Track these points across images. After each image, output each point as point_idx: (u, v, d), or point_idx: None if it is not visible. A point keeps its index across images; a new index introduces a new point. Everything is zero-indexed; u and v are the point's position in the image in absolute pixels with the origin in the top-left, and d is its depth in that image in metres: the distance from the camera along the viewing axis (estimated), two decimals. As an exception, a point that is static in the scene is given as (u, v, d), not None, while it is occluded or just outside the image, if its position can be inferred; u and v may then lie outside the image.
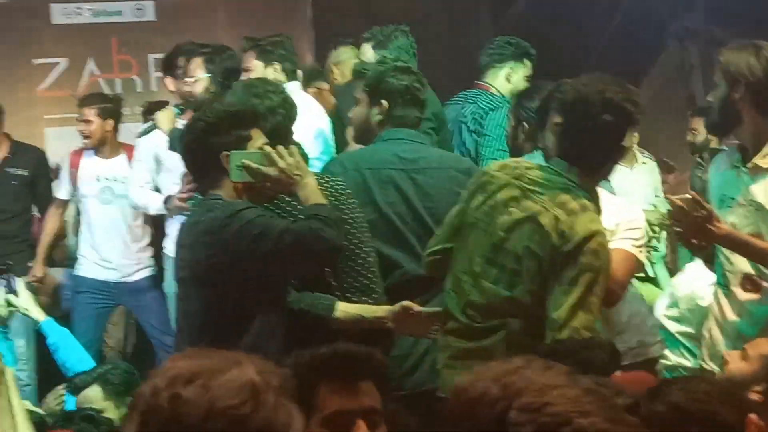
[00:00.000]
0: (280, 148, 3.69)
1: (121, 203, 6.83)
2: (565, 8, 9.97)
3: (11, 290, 4.86)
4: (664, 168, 8.88)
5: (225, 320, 3.65)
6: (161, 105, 7.61)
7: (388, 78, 4.44)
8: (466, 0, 10.11)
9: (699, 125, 8.38)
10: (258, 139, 3.73)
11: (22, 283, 4.96)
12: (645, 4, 10.34)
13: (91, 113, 6.98)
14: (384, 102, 4.42)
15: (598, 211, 3.68)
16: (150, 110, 7.85)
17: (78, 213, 7.19)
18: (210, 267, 3.65)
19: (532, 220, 3.63)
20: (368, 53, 5.67)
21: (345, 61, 6.30)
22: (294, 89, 5.45)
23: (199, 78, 6.06)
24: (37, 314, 4.89)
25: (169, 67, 6.56)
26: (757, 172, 4.13)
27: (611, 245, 3.77)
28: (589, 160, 3.69)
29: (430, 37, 8.32)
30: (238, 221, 3.56)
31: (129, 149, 7.07)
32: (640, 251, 3.93)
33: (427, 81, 4.64)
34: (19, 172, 7.08)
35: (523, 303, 3.63)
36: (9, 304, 4.87)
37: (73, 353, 4.85)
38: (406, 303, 3.81)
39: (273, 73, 5.69)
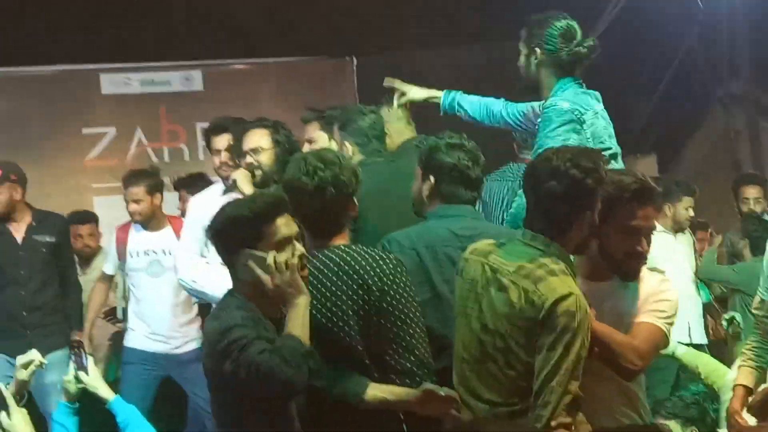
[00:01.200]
0: (281, 258, 3.60)
1: (169, 276, 6.85)
2: (611, 73, 9.98)
3: (81, 367, 4.84)
4: (698, 225, 8.79)
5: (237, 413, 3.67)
6: (191, 179, 7.65)
7: (437, 154, 4.43)
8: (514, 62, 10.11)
9: (751, 192, 8.28)
10: (280, 229, 3.64)
11: (92, 360, 4.94)
12: (691, 69, 10.33)
13: (140, 191, 7.03)
14: (431, 177, 4.42)
15: (572, 273, 3.64)
16: (180, 184, 7.88)
17: (125, 286, 7.24)
18: (209, 370, 3.69)
19: (504, 298, 3.62)
20: (336, 132, 5.54)
21: (391, 120, 6.21)
22: None
23: (264, 149, 6.00)
24: (106, 393, 4.86)
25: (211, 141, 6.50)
26: None
27: (638, 318, 3.76)
28: (548, 228, 3.66)
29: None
30: (226, 339, 3.53)
31: (175, 220, 7.11)
32: (668, 325, 3.84)
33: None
34: (46, 239, 7.12)
35: (525, 379, 3.62)
36: (78, 380, 4.86)
37: (141, 430, 4.85)
38: (429, 386, 3.76)
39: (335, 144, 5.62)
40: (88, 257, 8.16)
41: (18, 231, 7.01)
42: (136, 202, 7.03)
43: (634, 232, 3.73)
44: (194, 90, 10.27)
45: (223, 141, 6.30)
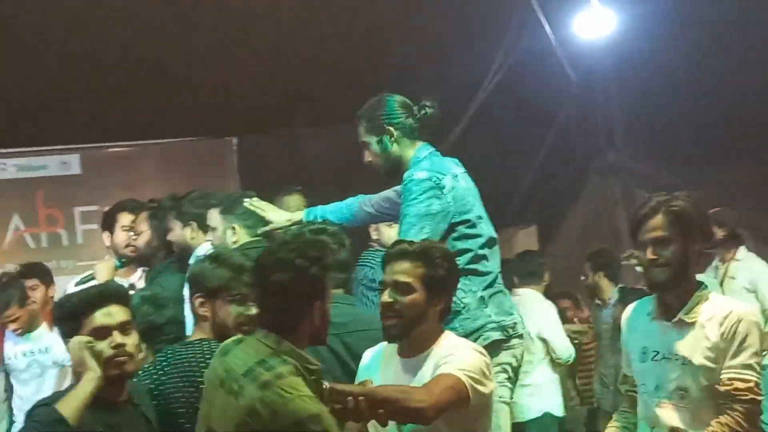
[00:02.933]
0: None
1: (51, 372, 6.81)
2: (489, 146, 10.13)
3: None
4: (573, 303, 9.06)
5: None
6: (33, 267, 7.49)
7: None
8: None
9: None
10: (95, 320, 3.76)
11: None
12: (568, 141, 10.53)
13: (15, 310, 6.91)
14: None
15: (303, 371, 3.47)
16: (22, 273, 7.65)
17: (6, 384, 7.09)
18: None
19: (232, 402, 3.47)
20: (215, 217, 5.63)
21: (292, 208, 6.32)
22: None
23: (143, 232, 6.08)
24: None
25: (108, 222, 6.47)
26: (683, 326, 4.14)
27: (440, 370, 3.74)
28: (279, 323, 3.54)
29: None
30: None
31: (46, 314, 6.99)
32: (467, 375, 3.75)
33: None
34: None
35: None
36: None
37: None
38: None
39: (191, 232, 5.67)
40: None
41: None
42: (14, 321, 6.93)
43: None
44: (72, 173, 10.14)
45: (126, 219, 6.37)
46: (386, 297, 3.83)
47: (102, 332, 3.72)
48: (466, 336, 4.71)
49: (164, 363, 4.13)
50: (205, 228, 5.59)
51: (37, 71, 9.09)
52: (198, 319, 4.23)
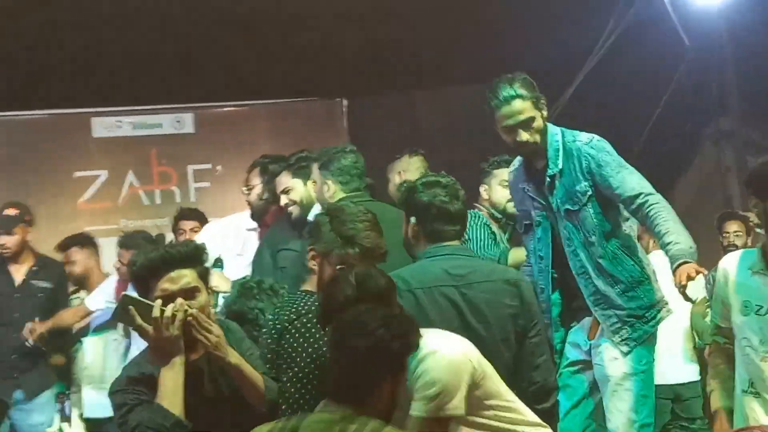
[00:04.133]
0: (167, 312, 3.62)
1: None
2: (600, 114, 10.04)
3: (65, 416, 4.85)
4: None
5: None
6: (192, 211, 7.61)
7: (414, 194, 4.47)
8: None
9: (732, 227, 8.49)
10: (162, 284, 3.72)
11: (76, 412, 4.95)
12: (680, 107, 10.37)
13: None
14: (413, 218, 4.45)
15: None
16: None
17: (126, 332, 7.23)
18: None
19: None
20: (315, 172, 5.67)
21: (410, 170, 6.38)
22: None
23: (254, 186, 6.15)
24: None
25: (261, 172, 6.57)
26: None
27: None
28: (348, 394, 3.23)
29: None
30: (111, 401, 3.72)
31: None
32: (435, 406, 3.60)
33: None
34: (44, 284, 7.13)
35: None
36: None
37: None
38: None
39: (310, 188, 5.74)
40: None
41: (18, 273, 7.04)
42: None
43: None
44: (186, 132, 10.31)
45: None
46: None
47: (165, 298, 3.66)
48: (649, 308, 4.75)
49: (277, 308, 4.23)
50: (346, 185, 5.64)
51: (154, 31, 9.23)
52: (308, 271, 4.24)
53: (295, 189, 5.95)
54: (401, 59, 9.90)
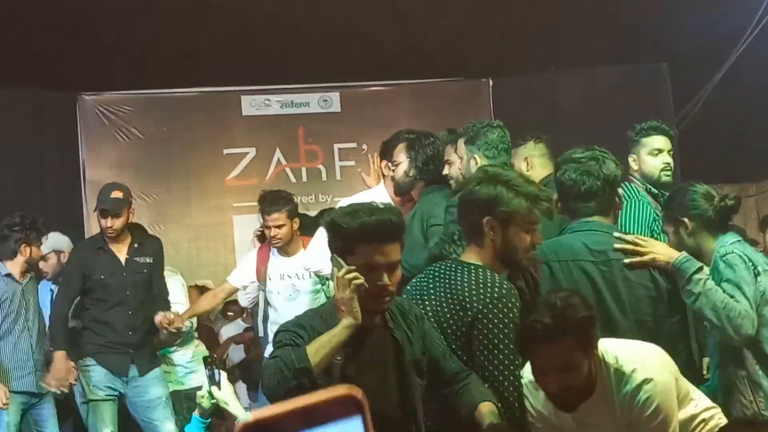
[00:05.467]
0: (349, 276, 3.63)
1: (304, 298, 6.99)
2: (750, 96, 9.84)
3: (215, 382, 4.95)
4: None
5: None
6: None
7: (557, 172, 4.48)
8: (648, 97, 10.03)
9: None
10: (366, 254, 3.69)
11: (225, 376, 5.05)
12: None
13: (281, 217, 7.13)
14: (554, 195, 4.43)
15: None
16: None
17: (264, 306, 7.36)
18: None
19: None
20: (461, 147, 5.62)
21: (534, 156, 6.29)
22: None
23: (400, 162, 6.13)
24: (237, 409, 4.94)
25: (384, 153, 6.56)
26: None
27: None
28: None
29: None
30: (274, 337, 3.84)
31: (307, 240, 7.14)
32: None
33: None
34: (147, 260, 7.30)
35: None
36: (211, 396, 4.96)
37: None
38: None
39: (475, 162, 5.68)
40: None
41: (121, 252, 7.22)
42: (278, 227, 7.15)
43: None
44: (332, 111, 10.46)
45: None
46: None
47: (370, 268, 3.65)
48: None
49: (432, 283, 4.12)
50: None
51: (303, 12, 9.39)
52: (481, 242, 4.09)
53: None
54: (545, 38, 9.86)
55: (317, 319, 3.79)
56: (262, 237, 7.58)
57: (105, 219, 7.09)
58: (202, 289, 8.80)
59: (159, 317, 7.10)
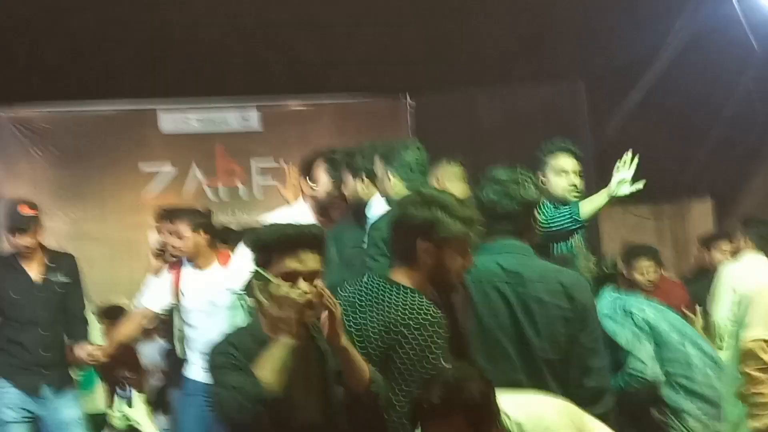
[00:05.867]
0: (283, 291, 3.61)
1: (221, 314, 6.88)
2: (665, 118, 9.99)
3: (128, 403, 4.91)
4: None
5: None
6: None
7: (477, 189, 4.51)
8: (568, 112, 10.11)
9: None
10: (286, 263, 3.68)
11: (138, 397, 5.00)
12: (749, 112, 10.25)
13: (182, 226, 7.05)
14: None
15: None
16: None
17: (181, 322, 7.23)
18: None
19: None
20: (378, 164, 5.62)
21: (448, 177, 6.28)
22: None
23: (320, 181, 6.12)
24: (149, 428, 4.90)
25: (305, 170, 6.52)
26: None
27: None
28: None
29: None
30: (207, 362, 3.73)
31: (222, 255, 6.99)
32: None
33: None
34: (63, 279, 7.19)
35: None
36: (125, 416, 4.91)
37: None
38: None
39: (361, 185, 5.68)
40: None
41: (33, 270, 7.11)
42: (178, 237, 6.99)
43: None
44: (251, 129, 10.40)
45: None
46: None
47: (289, 277, 3.64)
48: None
49: (361, 299, 4.09)
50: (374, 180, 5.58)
51: (222, 28, 9.34)
52: (413, 263, 4.04)
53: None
54: (463, 57, 9.91)
55: (247, 337, 3.74)
56: (159, 255, 7.41)
57: (16, 237, 6.96)
58: (114, 311, 8.67)
59: (80, 351, 7.00)
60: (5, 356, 6.97)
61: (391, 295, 3.99)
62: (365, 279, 4.18)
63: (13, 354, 6.96)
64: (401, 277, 4.04)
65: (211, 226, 7.11)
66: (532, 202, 4.47)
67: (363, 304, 4.04)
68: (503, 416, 3.54)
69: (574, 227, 5.61)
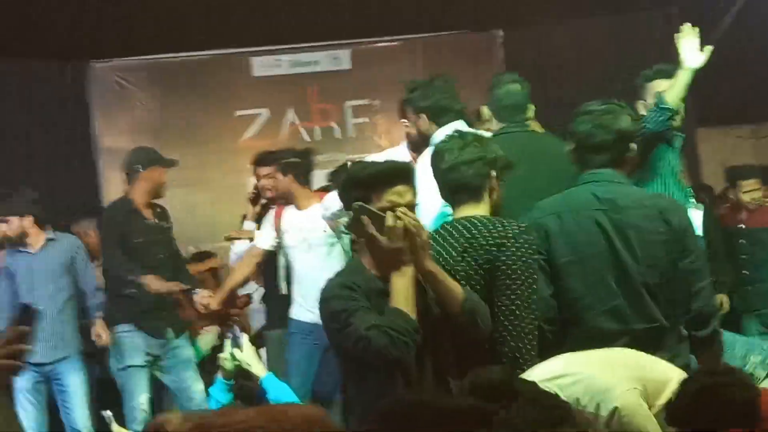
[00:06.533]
0: (398, 222, 3.67)
1: (318, 252, 6.98)
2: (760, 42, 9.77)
3: (237, 344, 5.00)
4: None
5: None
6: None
7: (571, 123, 4.50)
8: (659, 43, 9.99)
9: None
10: (389, 196, 3.75)
11: (246, 338, 5.09)
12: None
13: (268, 170, 7.23)
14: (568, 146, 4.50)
15: None
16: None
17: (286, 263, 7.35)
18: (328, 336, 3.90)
19: None
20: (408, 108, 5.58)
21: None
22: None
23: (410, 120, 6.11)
24: (259, 370, 4.98)
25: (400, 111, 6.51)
26: None
27: None
28: None
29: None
30: (326, 307, 3.75)
31: (321, 195, 7.00)
32: None
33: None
34: (166, 225, 7.44)
35: None
36: (233, 358, 5.01)
37: (292, 406, 4.92)
38: None
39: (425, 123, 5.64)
40: None
41: (149, 216, 7.33)
42: (267, 178, 7.27)
43: None
44: (343, 68, 10.44)
45: None
46: None
47: (391, 209, 3.71)
48: None
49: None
50: (437, 120, 5.51)
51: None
52: (483, 196, 4.26)
53: None
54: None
55: (358, 276, 3.81)
56: (254, 199, 7.62)
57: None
58: (202, 255, 8.87)
59: (198, 298, 7.21)
60: (130, 301, 7.19)
61: (477, 223, 4.17)
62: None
63: (138, 298, 7.17)
64: (479, 209, 4.25)
65: (302, 167, 7.18)
66: (627, 133, 4.46)
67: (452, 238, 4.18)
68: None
69: (666, 117, 5.44)
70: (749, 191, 7.96)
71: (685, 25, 5.48)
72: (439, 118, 5.44)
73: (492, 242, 4.05)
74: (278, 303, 7.31)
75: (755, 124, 10.84)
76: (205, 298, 7.29)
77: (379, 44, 10.59)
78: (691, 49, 5.40)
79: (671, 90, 5.40)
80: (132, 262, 7.18)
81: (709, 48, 5.39)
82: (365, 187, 3.79)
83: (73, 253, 7.49)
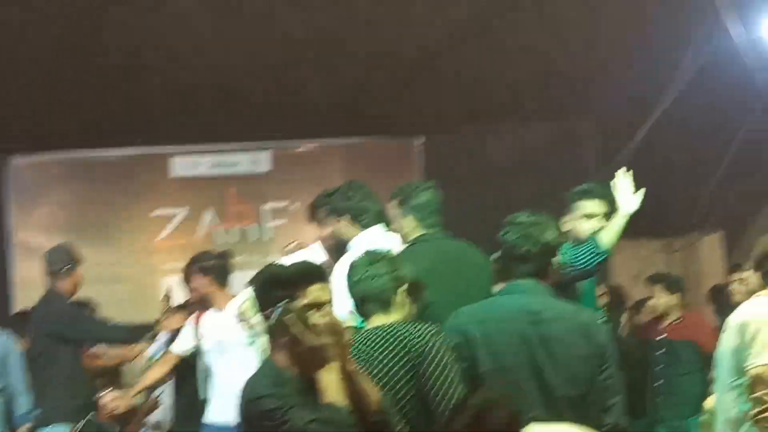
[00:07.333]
0: (321, 320, 3.68)
1: (234, 352, 6.92)
2: (671, 155, 10.02)
3: None
4: None
5: None
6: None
7: (499, 232, 4.59)
8: (574, 151, 10.19)
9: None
10: (312, 293, 3.75)
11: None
12: (755, 144, 10.27)
13: (194, 273, 7.17)
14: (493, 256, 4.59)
15: None
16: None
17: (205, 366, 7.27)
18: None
19: None
20: (394, 210, 5.64)
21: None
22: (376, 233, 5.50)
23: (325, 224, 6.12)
24: None
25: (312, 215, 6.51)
26: None
27: None
28: None
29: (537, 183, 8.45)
30: (255, 406, 3.65)
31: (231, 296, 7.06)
32: None
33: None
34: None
35: None
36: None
37: None
38: None
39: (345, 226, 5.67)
40: None
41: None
42: (191, 284, 7.18)
43: None
44: (262, 171, 10.48)
45: None
46: None
47: (314, 306, 3.72)
48: None
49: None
50: (359, 221, 5.53)
51: (233, 70, 9.43)
52: (400, 307, 4.36)
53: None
54: (472, 96, 9.97)
55: (279, 375, 3.73)
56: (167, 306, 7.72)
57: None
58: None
59: (105, 399, 7.12)
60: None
61: (402, 329, 4.20)
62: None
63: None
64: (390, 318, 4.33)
65: (219, 269, 7.18)
66: (552, 245, 4.55)
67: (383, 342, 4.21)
68: None
69: (599, 260, 5.57)
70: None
71: (620, 171, 5.62)
72: (361, 219, 5.50)
73: (413, 342, 4.09)
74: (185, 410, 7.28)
75: (665, 238, 11.09)
76: (114, 400, 7.19)
77: (299, 148, 10.65)
78: (627, 195, 5.55)
79: (607, 233, 5.53)
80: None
81: (641, 191, 5.54)
82: (288, 286, 3.78)
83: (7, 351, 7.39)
